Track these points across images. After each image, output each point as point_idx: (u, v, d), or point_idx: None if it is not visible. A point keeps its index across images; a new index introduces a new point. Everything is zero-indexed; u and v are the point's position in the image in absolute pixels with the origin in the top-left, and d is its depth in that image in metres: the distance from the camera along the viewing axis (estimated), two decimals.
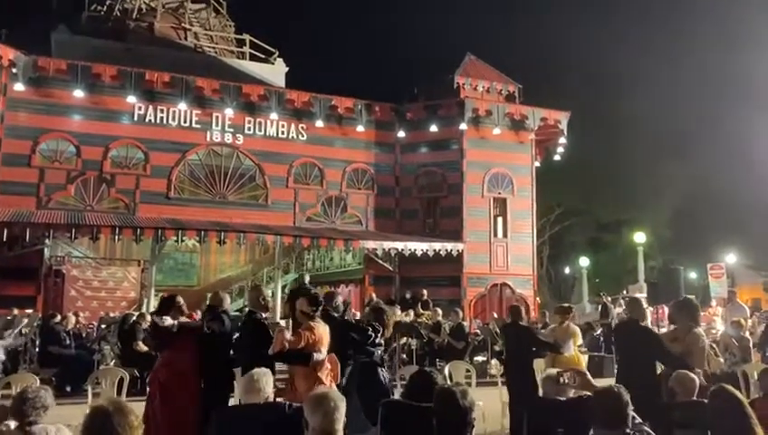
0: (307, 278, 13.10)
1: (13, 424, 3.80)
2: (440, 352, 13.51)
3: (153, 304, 17.44)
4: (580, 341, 8.04)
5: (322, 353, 5.68)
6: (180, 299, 7.12)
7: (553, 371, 4.90)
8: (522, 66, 26.84)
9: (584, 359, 7.94)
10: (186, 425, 6.13)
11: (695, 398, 4.75)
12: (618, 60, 37.85)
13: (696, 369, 5.44)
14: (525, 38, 42.52)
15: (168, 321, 6.95)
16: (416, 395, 4.15)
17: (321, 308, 5.95)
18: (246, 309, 7.40)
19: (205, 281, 25.71)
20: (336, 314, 6.68)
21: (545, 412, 4.56)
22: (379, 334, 6.31)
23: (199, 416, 6.20)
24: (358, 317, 7.42)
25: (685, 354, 5.99)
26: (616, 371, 6.90)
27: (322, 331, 5.79)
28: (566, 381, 3.82)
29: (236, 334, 6.76)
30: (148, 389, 6.94)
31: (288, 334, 5.57)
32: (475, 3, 55.03)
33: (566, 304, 9.32)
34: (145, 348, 11.28)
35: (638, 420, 3.61)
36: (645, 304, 6.78)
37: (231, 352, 6.78)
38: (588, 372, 3.93)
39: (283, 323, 6.80)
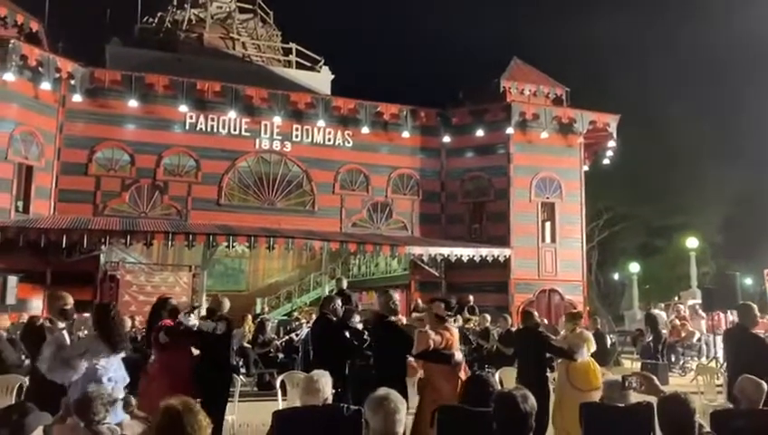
0: (345, 283, 13.17)
1: (80, 422, 3.89)
2: (489, 358, 13.38)
3: (204, 308, 17.80)
4: (593, 347, 7.82)
5: (459, 354, 5.83)
6: (172, 301, 7.19)
7: (617, 376, 4.82)
8: (569, 69, 26.49)
9: (599, 368, 7.68)
10: None
11: (761, 407, 4.60)
12: (667, 61, 37.09)
13: None
14: (573, 40, 41.92)
15: (192, 321, 7.03)
16: (472, 400, 4.15)
17: (455, 312, 6.22)
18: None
19: (253, 286, 26.15)
20: (334, 318, 6.76)
21: (604, 418, 4.50)
22: None
23: None
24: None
25: None
26: (727, 377, 6.84)
27: (456, 333, 6.09)
28: (632, 385, 3.74)
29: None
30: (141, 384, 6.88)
31: (433, 335, 5.74)
32: (521, 6, 54.64)
33: (575, 311, 9.12)
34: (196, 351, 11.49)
35: (706, 428, 3.52)
36: (756, 311, 6.56)
37: (228, 355, 6.94)
38: (655, 377, 3.83)
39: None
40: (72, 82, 17.16)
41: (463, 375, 5.92)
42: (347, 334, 6.48)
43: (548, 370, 8.46)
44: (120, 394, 4.96)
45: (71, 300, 5.75)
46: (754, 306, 6.58)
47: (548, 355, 8.09)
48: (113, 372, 5.09)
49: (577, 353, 7.34)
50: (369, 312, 7.06)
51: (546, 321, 15.74)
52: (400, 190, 20.53)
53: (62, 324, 5.48)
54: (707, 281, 26.98)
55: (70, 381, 4.83)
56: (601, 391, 7.04)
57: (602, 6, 44.42)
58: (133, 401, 3.94)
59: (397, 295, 6.78)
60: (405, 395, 6.02)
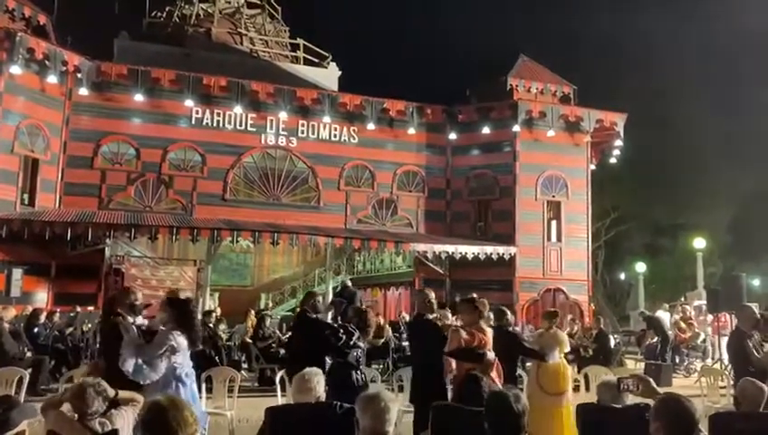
0: (348, 281, 13.18)
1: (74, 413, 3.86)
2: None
3: (209, 303, 17.85)
4: (567, 348, 7.66)
5: (491, 353, 5.88)
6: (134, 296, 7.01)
7: (613, 377, 4.76)
8: (577, 67, 26.34)
9: (570, 369, 7.56)
10: None
11: (761, 410, 4.54)
12: (677, 59, 36.83)
13: None
14: (580, 38, 41.76)
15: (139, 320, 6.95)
16: (466, 399, 4.12)
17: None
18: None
19: (258, 281, 26.17)
20: (314, 315, 6.73)
21: (601, 419, 4.45)
22: (355, 337, 6.27)
23: None
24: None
25: None
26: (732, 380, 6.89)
27: (489, 333, 6.20)
28: (629, 387, 3.67)
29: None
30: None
31: (464, 334, 5.78)
32: (529, 2, 54.40)
33: (553, 309, 8.97)
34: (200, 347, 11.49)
35: (704, 432, 3.46)
36: (753, 313, 6.49)
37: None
38: (651, 379, 3.76)
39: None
40: (79, 75, 17.17)
41: (495, 375, 5.92)
42: (324, 331, 6.44)
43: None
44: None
45: (140, 296, 5.81)
46: (752, 308, 6.51)
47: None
48: (188, 367, 5.06)
49: (548, 355, 7.20)
50: (353, 309, 6.98)
51: None
52: (406, 187, 20.48)
53: (131, 319, 5.49)
54: (714, 282, 26.80)
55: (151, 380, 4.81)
56: (569, 395, 7.03)
57: (612, 4, 44.16)
58: (110, 390, 3.88)
59: (432, 293, 6.79)
60: (443, 391, 6.09)
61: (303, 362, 5.11)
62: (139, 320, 6.49)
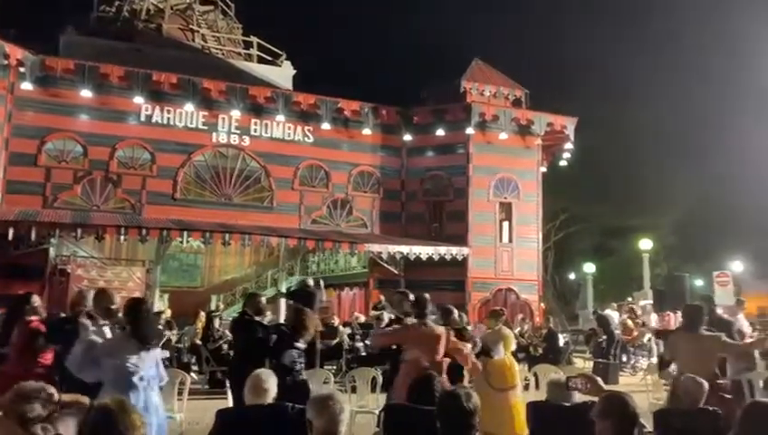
0: (311, 281, 13.04)
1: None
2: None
3: (158, 304, 17.47)
4: (513, 346, 7.67)
5: (413, 353, 5.82)
6: (36, 298, 6.69)
7: (562, 375, 4.84)
8: (529, 71, 26.80)
9: (517, 365, 7.60)
10: None
11: (701, 406, 4.68)
12: (625, 64, 37.81)
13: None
14: (532, 43, 42.46)
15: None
16: (419, 399, 4.14)
17: (424, 310, 6.10)
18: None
19: (209, 282, 25.77)
20: (255, 318, 6.69)
21: (551, 417, 4.53)
22: (287, 337, 6.13)
23: None
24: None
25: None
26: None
27: (422, 332, 6.00)
28: (577, 386, 3.74)
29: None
30: None
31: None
32: (483, 7, 55.02)
33: (498, 308, 8.99)
34: None
35: (647, 428, 3.55)
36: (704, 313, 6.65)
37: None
38: (599, 378, 3.84)
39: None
40: (22, 69, 16.62)
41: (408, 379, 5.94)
42: (257, 333, 6.35)
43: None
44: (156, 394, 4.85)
45: (117, 300, 5.58)
46: (702, 309, 6.65)
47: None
48: (145, 371, 4.90)
49: (493, 351, 7.16)
50: (292, 310, 6.85)
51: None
52: (361, 187, 20.47)
53: (103, 321, 5.31)
54: (660, 282, 27.58)
55: (100, 381, 4.65)
56: (518, 390, 7.11)
57: (562, 9, 45.05)
58: (54, 394, 3.76)
59: (411, 296, 6.69)
60: None
61: (245, 365, 5.05)
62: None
